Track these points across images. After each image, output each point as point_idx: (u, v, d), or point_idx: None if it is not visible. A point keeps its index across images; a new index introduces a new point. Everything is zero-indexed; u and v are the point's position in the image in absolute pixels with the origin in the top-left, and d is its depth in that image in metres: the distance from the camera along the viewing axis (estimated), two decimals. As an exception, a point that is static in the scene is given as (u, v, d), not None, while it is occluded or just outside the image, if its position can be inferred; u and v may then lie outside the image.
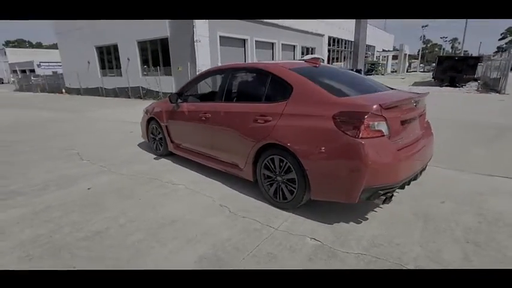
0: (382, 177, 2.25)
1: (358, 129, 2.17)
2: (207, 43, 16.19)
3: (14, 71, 41.99)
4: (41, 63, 40.25)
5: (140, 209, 2.86)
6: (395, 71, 39.78)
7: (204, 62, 16.04)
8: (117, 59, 20.06)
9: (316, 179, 2.42)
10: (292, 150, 2.49)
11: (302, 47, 26.15)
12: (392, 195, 2.40)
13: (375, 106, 2.21)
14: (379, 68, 35.10)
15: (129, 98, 17.12)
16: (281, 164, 2.64)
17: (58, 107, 12.82)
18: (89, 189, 3.35)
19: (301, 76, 2.68)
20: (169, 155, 4.42)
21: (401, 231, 2.37)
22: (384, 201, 2.34)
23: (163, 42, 17.32)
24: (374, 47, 38.64)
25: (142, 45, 18.64)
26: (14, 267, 2.00)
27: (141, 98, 16.36)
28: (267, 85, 2.88)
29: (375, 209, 2.72)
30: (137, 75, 17.82)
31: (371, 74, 31.60)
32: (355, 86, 2.89)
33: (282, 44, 23.30)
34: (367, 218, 2.58)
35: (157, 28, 16.72)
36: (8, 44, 72.30)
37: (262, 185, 2.87)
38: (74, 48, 22.88)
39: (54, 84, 22.36)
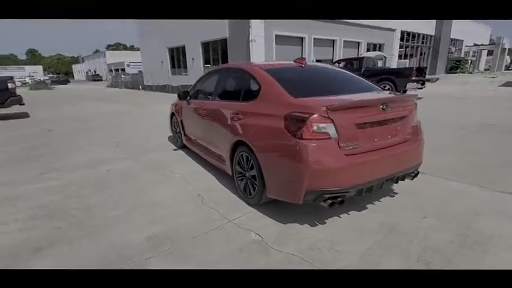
0: (325, 180, 2.19)
1: (302, 131, 2.16)
2: (262, 42, 16.56)
3: (110, 70, 49.63)
4: (130, 63, 46.65)
5: (134, 191, 3.31)
6: (489, 69, 33.89)
7: (258, 61, 16.45)
8: (184, 59, 22.04)
9: (269, 177, 2.48)
10: (252, 147, 2.59)
11: (368, 44, 24.53)
12: (343, 200, 2.29)
13: (321, 108, 2.16)
14: (466, 65, 30.37)
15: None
16: (248, 160, 2.76)
17: (129, 101, 14.86)
18: (108, 171, 3.99)
19: (269, 76, 2.74)
20: (185, 147, 4.88)
21: (352, 239, 2.26)
22: (330, 205, 2.26)
23: (223, 43, 18.38)
24: (462, 41, 33.66)
25: (205, 46, 20.07)
26: (20, 222, 2.63)
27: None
28: (245, 84, 3.02)
29: (342, 214, 2.62)
30: (199, 74, 19.21)
31: (455, 72, 27.73)
32: (327, 87, 2.80)
33: (344, 41, 22.24)
34: (325, 223, 2.51)
35: (219, 29, 17.81)
36: (108, 47, 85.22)
37: (236, 179, 3.03)
38: (151, 50, 25.92)
39: (135, 82, 25.76)
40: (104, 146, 5.45)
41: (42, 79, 35.15)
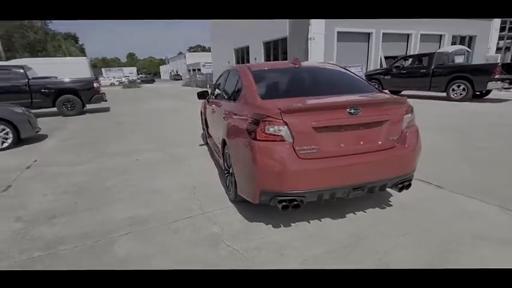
0: (278, 183, 2.19)
1: (256, 132, 2.21)
2: (322, 40, 16.09)
3: (188, 70, 54.64)
4: (205, 64, 50.53)
5: (146, 178, 3.79)
6: None
7: (317, 59, 16.05)
8: (248, 58, 22.92)
9: (237, 176, 2.59)
10: (228, 146, 2.73)
11: (453, 37, 21.46)
12: (298, 204, 2.24)
13: (275, 110, 2.16)
14: None
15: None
16: (229, 158, 2.91)
17: (191, 98, 16.28)
18: (136, 160, 4.62)
19: (250, 77, 2.81)
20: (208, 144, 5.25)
21: (305, 245, 2.21)
22: (283, 208, 2.24)
23: (283, 42, 18.50)
24: None
25: (267, 46, 20.50)
26: (54, 195, 3.32)
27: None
28: (236, 85, 3.16)
29: (313, 220, 2.55)
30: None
31: None
32: (306, 89, 2.73)
33: (422, 35, 19.92)
34: (290, 226, 2.49)
35: (279, 29, 18.00)
36: (190, 49, 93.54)
37: (224, 175, 3.21)
38: (220, 51, 27.68)
39: (205, 81, 27.92)
40: (143, 138, 6.25)
41: (133, 79, 41.10)
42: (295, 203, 2.23)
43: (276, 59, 19.34)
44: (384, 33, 18.20)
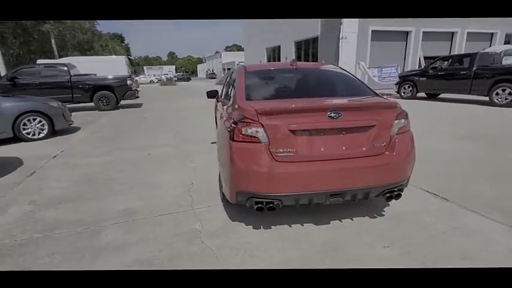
0: (252, 184, 2.18)
1: (233, 132, 2.23)
2: (354, 39, 15.53)
3: (224, 69, 55.78)
4: (239, 63, 51.30)
5: (150, 172, 3.99)
6: None
7: (347, 59, 15.56)
8: (279, 58, 22.82)
9: (221, 175, 2.63)
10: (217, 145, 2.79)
11: (506, 35, 19.60)
12: (273, 207, 2.21)
13: (252, 112, 2.16)
14: None
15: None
16: (222, 158, 2.96)
17: (221, 97, 16.63)
18: (148, 154, 4.87)
19: (242, 78, 2.83)
20: (219, 141, 5.35)
21: (278, 248, 2.19)
22: (258, 210, 2.23)
23: (314, 41, 18.16)
24: None
25: (298, 45, 20.27)
26: (66, 183, 3.63)
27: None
28: (233, 86, 3.19)
29: (295, 224, 2.51)
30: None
31: None
32: (297, 91, 2.67)
33: (469, 33, 18.41)
34: (270, 228, 2.48)
35: (311, 28, 17.71)
36: (226, 48, 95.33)
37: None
38: (253, 50, 27.88)
39: (236, 80, 28.36)
40: (164, 133, 6.54)
41: (170, 77, 43.09)
42: (271, 205, 2.21)
43: (306, 58, 19.06)
44: (424, 32, 17.08)
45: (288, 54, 21.19)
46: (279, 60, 22.69)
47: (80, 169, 4.18)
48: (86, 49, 28.13)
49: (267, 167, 2.14)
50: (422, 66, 14.95)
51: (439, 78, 11.15)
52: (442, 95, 11.72)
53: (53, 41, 20.32)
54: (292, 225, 2.52)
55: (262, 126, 2.14)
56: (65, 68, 10.26)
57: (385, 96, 2.59)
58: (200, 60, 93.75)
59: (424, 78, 11.59)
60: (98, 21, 28.14)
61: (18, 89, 9.55)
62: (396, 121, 2.31)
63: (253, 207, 2.27)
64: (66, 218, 2.75)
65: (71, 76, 10.19)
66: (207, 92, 4.73)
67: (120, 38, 63.96)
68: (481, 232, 2.34)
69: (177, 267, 2.02)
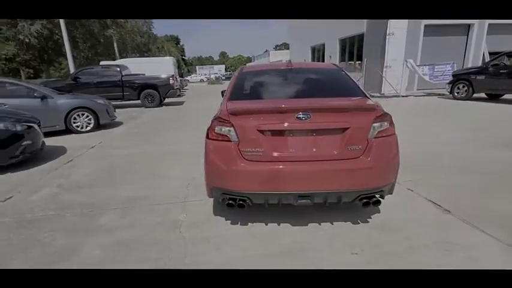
0: (222, 180, 2.28)
1: (208, 131, 2.36)
2: (403, 35, 14.44)
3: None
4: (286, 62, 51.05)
5: (165, 166, 4.32)
6: None
7: (395, 56, 14.54)
8: (323, 56, 22.26)
9: (205, 171, 2.77)
10: None
11: None
12: (242, 204, 2.28)
13: (224, 111, 2.26)
14: None
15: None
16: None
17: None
18: (169, 149, 5.26)
19: (234, 78, 2.93)
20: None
21: (245, 245, 2.27)
22: (228, 206, 2.32)
23: (360, 39, 17.33)
24: None
25: (343, 43, 19.53)
26: (92, 170, 4.14)
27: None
28: (231, 85, 3.32)
29: (272, 224, 2.55)
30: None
31: None
32: (281, 91, 2.68)
33: (550, 24, 15.82)
34: (247, 225, 2.55)
35: (356, 25, 16.95)
36: (276, 47, 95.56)
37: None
38: (298, 49, 27.60)
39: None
40: (195, 130, 6.92)
41: (217, 76, 44.85)
42: (240, 202, 2.29)
43: (351, 56, 18.27)
44: (490, 24, 15.11)
45: (332, 52, 20.53)
46: (323, 59, 22.11)
47: (107, 159, 4.71)
48: (143, 51, 30.98)
49: (237, 165, 2.22)
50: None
51: (501, 77, 9.81)
52: (506, 96, 10.29)
53: (115, 44, 22.92)
54: (268, 224, 2.56)
55: (233, 126, 2.22)
56: (118, 69, 11.44)
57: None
58: (249, 59, 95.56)
59: (482, 77, 10.29)
60: (153, 24, 30.80)
61: (80, 87, 10.93)
62: (375, 124, 2.20)
63: (225, 203, 2.37)
64: (79, 200, 3.17)
65: (122, 76, 11.33)
66: (222, 92, 4.91)
67: (176, 40, 68.46)
68: (468, 249, 2.11)
69: (147, 251, 2.22)
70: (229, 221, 2.63)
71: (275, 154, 2.21)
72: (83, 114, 6.83)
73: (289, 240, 2.32)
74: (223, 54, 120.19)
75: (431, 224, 2.48)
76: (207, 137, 2.37)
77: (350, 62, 18.69)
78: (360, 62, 15.97)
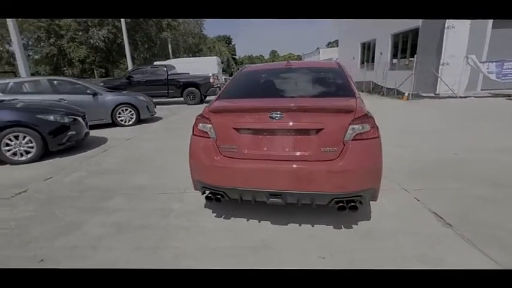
0: (202, 174, 2.42)
1: (193, 127, 2.52)
2: (466, 28, 12.93)
3: (321, 66, 54.48)
4: (336, 59, 49.11)
5: (180, 159, 4.61)
6: None
7: (454, 52, 13.16)
8: (373, 53, 21.05)
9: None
10: None
11: None
12: (219, 198, 2.38)
13: (205, 110, 2.39)
14: None
15: (362, 91, 17.85)
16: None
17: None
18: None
19: (232, 78, 3.04)
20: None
21: (218, 237, 2.38)
22: (207, 199, 2.44)
23: (414, 33, 15.99)
24: None
25: (395, 38, 18.21)
26: (118, 160, 4.65)
27: (369, 93, 16.62)
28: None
29: (252, 220, 2.62)
30: (385, 69, 17.71)
31: None
32: (270, 91, 2.73)
33: None
34: (229, 219, 2.66)
35: (411, 19, 15.65)
36: (328, 44, 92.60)
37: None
38: (346, 46, 26.49)
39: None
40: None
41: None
42: (217, 196, 2.41)
43: (404, 52, 16.92)
44: None
45: (384, 48, 19.23)
46: (374, 57, 20.85)
47: (135, 151, 5.22)
48: (195, 51, 32.87)
49: (214, 160, 2.35)
50: None
51: None
52: None
53: (169, 46, 24.80)
54: (250, 220, 2.63)
55: (212, 123, 2.35)
56: (164, 69, 12.39)
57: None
58: (300, 58, 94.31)
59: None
60: (204, 26, 32.35)
61: (132, 85, 12.12)
62: (353, 126, 2.11)
63: (205, 196, 2.51)
64: (99, 184, 3.62)
65: (167, 75, 12.24)
66: None
67: (228, 40, 70.81)
68: (460, 266, 1.92)
69: (134, 232, 2.48)
70: (215, 214, 2.77)
71: (249, 152, 2.27)
72: (126, 110, 7.61)
73: (261, 237, 2.36)
74: (273, 53, 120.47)
75: (422, 237, 2.29)
76: (192, 133, 2.53)
77: (402, 59, 17.36)
78: (412, 58, 14.70)
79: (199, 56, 31.00)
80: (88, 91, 7.03)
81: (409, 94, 12.74)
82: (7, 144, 4.37)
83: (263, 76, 3.11)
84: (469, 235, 2.27)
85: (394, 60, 17.83)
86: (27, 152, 4.51)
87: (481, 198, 2.89)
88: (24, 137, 4.45)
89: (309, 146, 2.17)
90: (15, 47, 9.17)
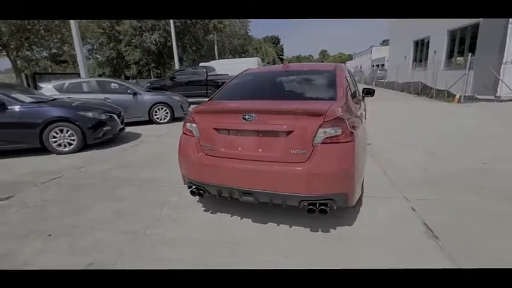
0: (187, 170, 2.61)
1: (183, 125, 2.72)
2: (538, 21, 11.25)
3: (372, 66, 51.76)
4: (389, 59, 46.07)
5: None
6: None
7: (522, 50, 11.50)
8: (426, 52, 19.44)
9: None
10: None
11: None
12: (201, 193, 2.54)
13: (192, 111, 2.57)
14: None
15: (409, 93, 16.58)
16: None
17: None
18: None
19: (230, 80, 3.19)
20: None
21: (197, 229, 2.55)
22: (191, 193, 2.62)
23: (473, 29, 14.42)
24: None
25: (452, 35, 16.60)
26: (137, 156, 5.12)
27: (418, 95, 15.36)
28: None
29: (237, 217, 2.75)
30: (439, 68, 16.29)
31: None
32: (259, 93, 2.83)
33: None
34: (216, 214, 2.82)
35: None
36: (383, 42, 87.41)
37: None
38: (398, 44, 24.82)
39: (373, 78, 26.08)
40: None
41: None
42: (200, 192, 2.58)
43: (461, 50, 15.30)
44: None
45: (438, 46, 17.60)
46: (427, 55, 19.21)
47: (162, 147, 5.68)
48: (240, 52, 33.86)
49: (196, 157, 2.52)
50: None
51: None
52: None
53: (215, 47, 25.97)
54: (233, 216, 2.76)
55: (195, 122, 2.53)
56: (204, 70, 13.05)
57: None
58: (350, 57, 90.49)
59: None
60: (249, 27, 33.04)
61: (175, 86, 13.01)
62: (322, 129, 2.11)
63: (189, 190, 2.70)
64: (118, 175, 4.07)
65: (207, 76, 12.88)
66: None
67: (276, 40, 71.08)
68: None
69: (127, 218, 2.78)
70: (204, 208, 2.95)
71: (225, 151, 2.40)
72: (162, 108, 8.25)
73: (240, 233, 2.47)
74: (323, 53, 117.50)
75: (399, 247, 2.18)
76: (182, 131, 2.74)
77: (459, 58, 15.73)
78: (471, 57, 13.20)
79: (245, 57, 31.79)
80: (129, 91, 7.79)
81: (460, 96, 11.52)
82: (54, 137, 5.12)
83: (257, 79, 3.20)
84: (453, 250, 2.10)
85: (449, 59, 16.23)
86: (70, 144, 5.23)
87: (489, 215, 2.60)
88: (68, 131, 5.17)
89: (279, 148, 2.21)
90: (77, 51, 10.52)
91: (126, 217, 2.82)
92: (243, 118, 2.26)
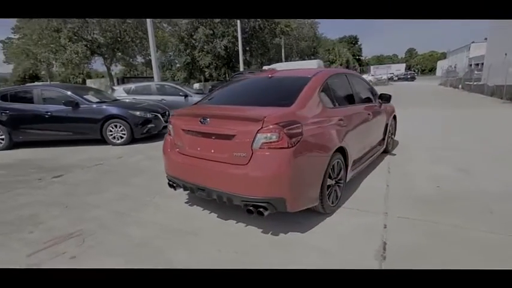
0: (164, 165, 3.00)
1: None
2: None
3: (470, 65, 44.47)
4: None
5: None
6: None
7: None
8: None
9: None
10: None
11: None
12: (174, 187, 2.88)
13: (173, 113, 2.94)
14: None
15: (501, 98, 13.82)
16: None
17: (414, 102, 14.44)
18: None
19: (222, 86, 3.45)
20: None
21: (169, 217, 2.91)
22: (169, 186, 2.98)
23: None
24: None
25: None
26: (154, 161, 5.80)
27: (511, 100, 12.68)
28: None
29: (219, 218, 3.02)
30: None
31: None
32: (237, 98, 3.06)
33: None
34: (204, 210, 3.13)
35: None
36: (485, 39, 74.26)
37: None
38: (499, 40, 21.00)
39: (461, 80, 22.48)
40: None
41: (390, 76, 40.66)
42: (174, 185, 2.93)
43: None
44: None
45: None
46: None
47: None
48: (308, 54, 33.46)
49: (170, 154, 2.89)
50: None
51: None
52: None
53: (282, 50, 26.38)
54: (204, 210, 3.03)
55: (172, 124, 2.90)
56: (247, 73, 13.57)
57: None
58: (444, 55, 79.36)
59: None
60: (318, 28, 32.19)
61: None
62: (260, 135, 2.20)
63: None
64: (143, 165, 4.78)
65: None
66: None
67: (354, 40, 67.52)
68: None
69: (127, 201, 3.32)
70: (185, 199, 3.29)
71: (189, 150, 2.70)
72: (209, 109, 9.01)
73: (200, 224, 2.72)
74: (410, 52, 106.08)
75: (336, 261, 2.11)
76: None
77: None
78: None
79: (315, 59, 31.30)
80: (181, 93, 8.77)
81: None
82: (110, 130, 6.25)
83: (239, 85, 3.41)
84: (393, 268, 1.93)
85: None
86: (121, 137, 6.30)
87: (463, 242, 2.23)
88: (120, 126, 6.23)
89: (226, 150, 2.40)
90: (152, 57, 12.27)
91: (125, 200, 3.38)
92: (200, 121, 2.52)
